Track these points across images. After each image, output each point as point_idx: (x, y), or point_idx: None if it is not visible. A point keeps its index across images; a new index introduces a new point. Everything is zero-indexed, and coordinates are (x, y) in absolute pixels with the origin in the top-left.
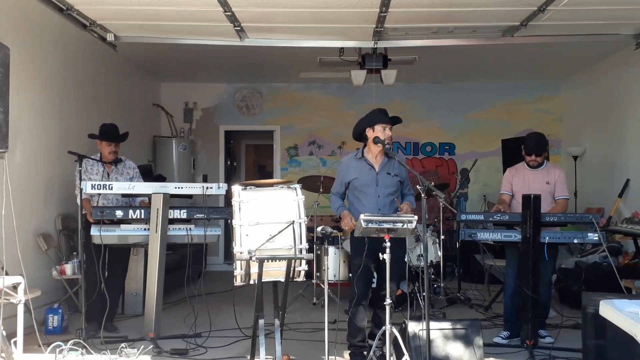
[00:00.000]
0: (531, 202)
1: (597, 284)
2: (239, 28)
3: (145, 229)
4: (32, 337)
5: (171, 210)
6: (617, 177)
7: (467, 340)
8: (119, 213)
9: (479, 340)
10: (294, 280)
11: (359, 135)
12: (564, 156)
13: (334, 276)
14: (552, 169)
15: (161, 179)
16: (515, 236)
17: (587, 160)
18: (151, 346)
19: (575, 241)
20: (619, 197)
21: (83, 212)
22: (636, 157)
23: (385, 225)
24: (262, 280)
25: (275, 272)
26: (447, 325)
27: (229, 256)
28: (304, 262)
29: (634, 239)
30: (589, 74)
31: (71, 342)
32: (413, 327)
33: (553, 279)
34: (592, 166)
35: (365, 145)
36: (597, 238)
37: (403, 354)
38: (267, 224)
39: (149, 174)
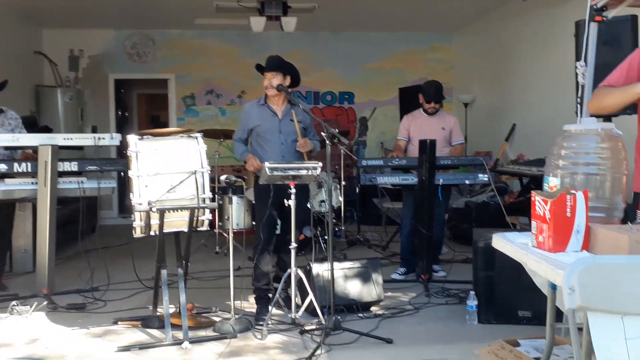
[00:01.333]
0: (427, 146)
1: (486, 222)
2: None
3: (33, 183)
4: None
5: (60, 163)
6: (504, 122)
7: (367, 277)
8: (3, 167)
9: (378, 277)
10: (197, 230)
11: None
12: (455, 103)
13: (237, 224)
14: (446, 116)
15: (47, 130)
16: (412, 179)
17: (476, 107)
18: (45, 302)
19: (467, 182)
20: (505, 141)
21: None
22: (522, 103)
23: (290, 172)
24: (164, 231)
25: (177, 222)
26: (348, 264)
27: (124, 209)
28: (207, 211)
29: (519, 179)
30: (479, 25)
31: None
32: (317, 268)
33: (445, 218)
34: (481, 113)
35: None
36: (487, 179)
37: (308, 294)
38: (168, 174)
39: (33, 125)
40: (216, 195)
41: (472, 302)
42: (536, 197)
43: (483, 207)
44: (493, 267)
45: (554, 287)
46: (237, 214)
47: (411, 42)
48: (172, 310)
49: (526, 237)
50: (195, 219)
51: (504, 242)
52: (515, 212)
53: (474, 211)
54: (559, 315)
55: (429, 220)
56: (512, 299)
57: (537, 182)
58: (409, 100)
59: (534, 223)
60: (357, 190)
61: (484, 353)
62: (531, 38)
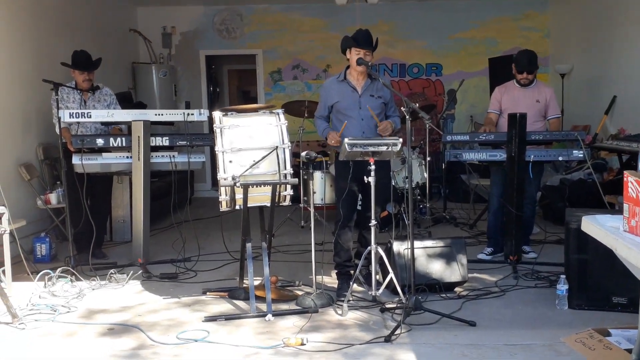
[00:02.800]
0: (517, 120)
1: (581, 201)
2: None
3: (127, 157)
4: (20, 266)
5: (153, 138)
6: (603, 94)
7: (451, 257)
8: (100, 141)
9: (462, 258)
10: (280, 205)
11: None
12: (552, 74)
13: (321, 199)
14: (542, 87)
15: (142, 106)
16: (500, 155)
17: (574, 78)
18: (140, 271)
19: (560, 159)
20: (605, 114)
21: (63, 141)
22: (623, 74)
23: (370, 149)
24: (248, 206)
25: (260, 197)
26: (430, 243)
27: (217, 182)
28: (289, 186)
29: (618, 155)
30: None
31: (60, 269)
32: (397, 246)
33: (538, 196)
34: (579, 84)
35: (348, 67)
36: (582, 155)
37: (388, 272)
38: (250, 149)
39: (128, 101)
40: (300, 170)
41: (563, 286)
42: (629, 178)
43: (579, 185)
44: (586, 250)
45: None
46: (320, 188)
47: (503, 10)
48: (257, 282)
49: (618, 220)
50: (277, 194)
51: (594, 225)
52: (613, 191)
53: (568, 189)
54: None
55: (518, 198)
56: (606, 284)
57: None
58: (499, 71)
59: (625, 206)
60: (443, 166)
61: (571, 341)
62: (634, 3)
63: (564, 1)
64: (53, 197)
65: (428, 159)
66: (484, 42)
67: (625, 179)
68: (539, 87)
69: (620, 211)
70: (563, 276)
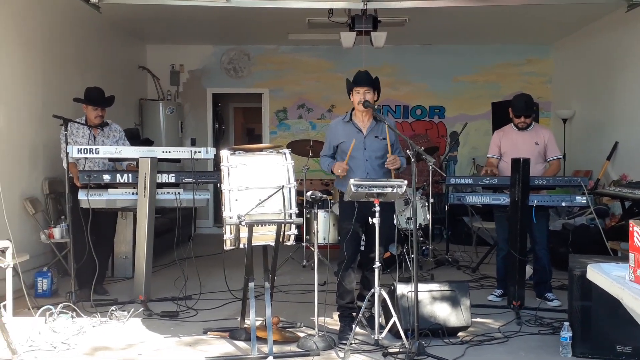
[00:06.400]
0: (520, 165)
1: (584, 246)
2: None
3: (133, 193)
4: (21, 300)
5: (159, 175)
6: (605, 139)
7: (455, 301)
8: (107, 177)
9: (466, 301)
10: (284, 244)
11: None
12: (554, 119)
13: (324, 239)
14: (540, 130)
15: (148, 142)
16: (503, 199)
17: (576, 123)
18: (141, 309)
19: (564, 204)
20: (607, 160)
21: (70, 176)
22: (625, 120)
23: (375, 190)
24: (252, 244)
25: (265, 236)
26: (435, 287)
27: (219, 219)
28: (293, 226)
29: (621, 202)
30: (579, 37)
31: (61, 305)
32: (401, 288)
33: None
34: (581, 129)
35: (353, 109)
36: (585, 201)
37: (392, 316)
38: (257, 188)
39: (135, 138)
40: (304, 209)
41: (567, 334)
42: (634, 228)
43: (582, 231)
44: (590, 297)
45: None
46: (323, 228)
47: (506, 55)
48: (258, 323)
49: (624, 269)
50: (281, 233)
51: (599, 274)
52: (616, 237)
53: (571, 235)
54: None
55: (521, 243)
56: (611, 332)
57: None
58: (502, 115)
59: (631, 255)
60: (446, 208)
61: None
62: (635, 50)
63: (566, 47)
64: (57, 232)
65: (431, 200)
66: (486, 86)
67: (630, 228)
68: (536, 129)
69: (624, 258)
70: (567, 323)
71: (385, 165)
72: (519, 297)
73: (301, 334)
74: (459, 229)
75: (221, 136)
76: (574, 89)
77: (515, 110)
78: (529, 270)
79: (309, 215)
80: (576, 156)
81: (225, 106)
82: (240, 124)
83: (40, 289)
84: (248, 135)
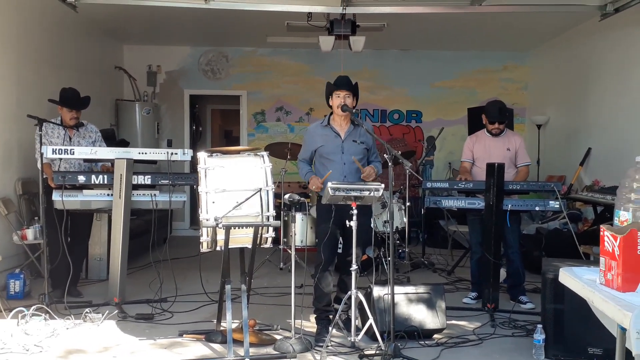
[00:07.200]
0: (495, 170)
1: (557, 250)
2: None
3: (108, 195)
4: None
5: (135, 176)
6: (579, 145)
7: (430, 304)
8: (82, 178)
9: (441, 304)
10: (261, 246)
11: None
12: (529, 124)
13: (301, 242)
14: (511, 136)
15: (124, 143)
16: (478, 203)
17: (550, 129)
18: (116, 311)
19: (537, 209)
20: (580, 166)
21: (44, 177)
22: (598, 126)
23: (353, 193)
24: (229, 247)
25: (242, 239)
26: (411, 289)
27: (195, 221)
28: (271, 229)
29: (593, 206)
30: (555, 44)
31: (34, 307)
32: (378, 291)
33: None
34: (555, 135)
35: (332, 113)
36: (558, 206)
37: (368, 318)
38: (234, 191)
39: (111, 138)
40: (282, 212)
41: (540, 336)
42: (605, 232)
43: (555, 235)
44: (562, 300)
45: (623, 328)
46: (300, 230)
47: (483, 61)
48: (234, 325)
49: (595, 273)
50: (259, 236)
51: (571, 278)
52: (588, 241)
53: (545, 239)
54: (630, 356)
55: (495, 247)
56: (583, 334)
57: (612, 211)
58: (478, 121)
59: (602, 259)
60: (422, 211)
61: None
62: (609, 58)
63: (542, 55)
64: (30, 233)
65: (408, 204)
66: (464, 91)
67: (601, 232)
68: (508, 136)
69: (595, 262)
70: (540, 325)
71: (362, 178)
72: (494, 300)
73: (278, 337)
74: (435, 232)
75: (198, 138)
76: (549, 96)
77: (489, 117)
78: (502, 273)
79: (286, 218)
80: (550, 161)
81: (203, 108)
82: (217, 126)
83: (12, 291)
84: (225, 137)
